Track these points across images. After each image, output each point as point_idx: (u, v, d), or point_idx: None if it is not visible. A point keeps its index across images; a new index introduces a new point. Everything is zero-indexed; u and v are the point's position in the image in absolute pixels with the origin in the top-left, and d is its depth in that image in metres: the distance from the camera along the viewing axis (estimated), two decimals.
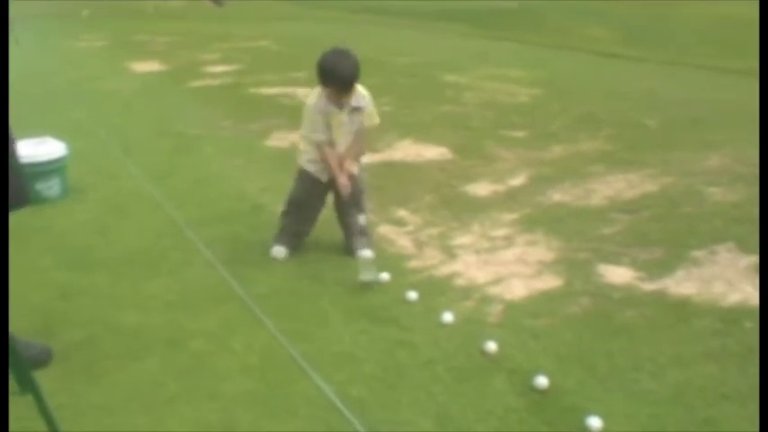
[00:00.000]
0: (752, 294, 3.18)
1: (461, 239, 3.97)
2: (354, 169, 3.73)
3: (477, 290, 3.40)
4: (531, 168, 5.16)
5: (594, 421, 2.40)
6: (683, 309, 3.13)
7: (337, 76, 3.49)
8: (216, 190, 5.04)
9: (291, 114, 7.15)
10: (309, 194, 3.78)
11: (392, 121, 6.42)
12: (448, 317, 3.10)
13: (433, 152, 5.68)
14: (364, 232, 3.78)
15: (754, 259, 3.48)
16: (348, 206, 3.74)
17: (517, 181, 4.90)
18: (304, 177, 3.78)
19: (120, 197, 4.94)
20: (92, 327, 3.17)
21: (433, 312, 3.16)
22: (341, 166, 3.65)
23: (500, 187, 4.78)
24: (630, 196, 4.45)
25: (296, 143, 4.39)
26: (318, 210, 3.84)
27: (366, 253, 3.58)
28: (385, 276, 3.47)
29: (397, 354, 2.87)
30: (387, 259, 3.68)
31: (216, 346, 3.00)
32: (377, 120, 3.76)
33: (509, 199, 4.59)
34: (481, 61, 10.20)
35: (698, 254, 3.58)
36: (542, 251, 3.80)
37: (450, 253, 3.81)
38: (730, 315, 3.04)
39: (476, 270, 3.61)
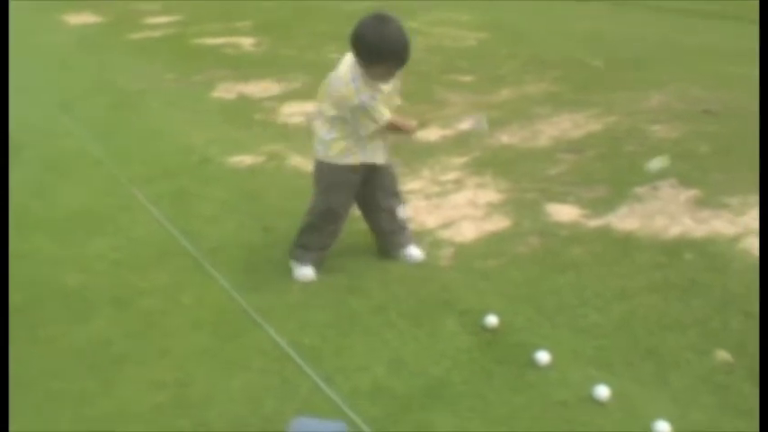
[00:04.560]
0: (691, 227, 3.27)
1: (411, 185, 3.98)
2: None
3: (428, 234, 3.42)
4: (479, 112, 5.16)
5: (542, 356, 2.47)
6: (626, 243, 3.20)
7: (394, 51, 2.75)
8: (161, 145, 4.93)
9: (237, 65, 7.01)
10: (347, 197, 3.06)
11: None
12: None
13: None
14: (404, 225, 3.21)
15: (694, 193, 3.56)
16: (389, 197, 3.13)
17: (465, 125, 4.90)
18: (339, 176, 2.98)
19: (59, 156, 4.80)
20: (33, 289, 3.10)
21: (384, 258, 3.18)
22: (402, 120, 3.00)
23: (449, 132, 4.77)
24: (576, 136, 4.49)
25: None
26: (348, 215, 3.14)
27: (413, 251, 3.17)
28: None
29: (349, 301, 2.89)
30: None
31: (166, 303, 2.97)
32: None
33: (458, 143, 4.59)
34: (429, 6, 10.06)
35: (641, 190, 3.65)
36: (491, 193, 3.83)
37: None
38: (671, 248, 3.12)
39: (426, 214, 3.63)
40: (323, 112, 2.95)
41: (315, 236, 3.07)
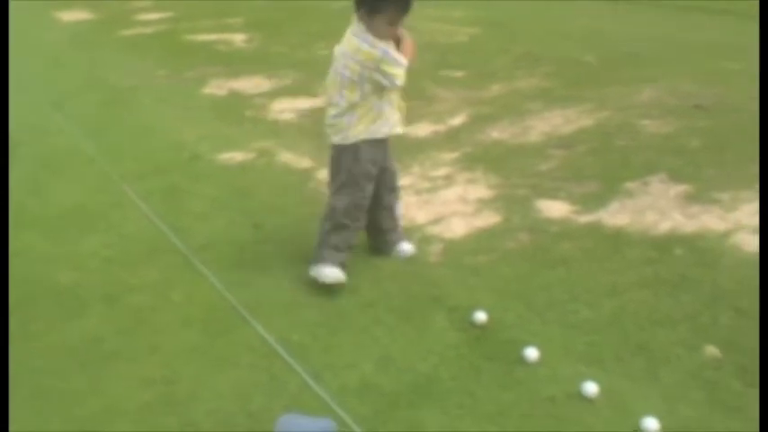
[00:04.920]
0: (682, 222, 3.27)
1: (402, 181, 3.91)
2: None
3: (418, 230, 3.41)
4: (470, 107, 5.16)
5: (531, 352, 2.46)
6: (617, 239, 3.20)
7: None
8: (152, 141, 4.91)
9: (228, 61, 6.99)
10: (368, 185, 2.97)
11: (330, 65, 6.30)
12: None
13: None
14: (399, 223, 3.21)
15: (684, 188, 3.57)
16: (390, 192, 3.11)
17: (456, 120, 4.90)
18: (362, 162, 2.91)
19: (53, 153, 4.79)
20: (26, 287, 3.09)
21: (374, 255, 3.17)
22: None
23: (440, 127, 4.77)
24: (567, 132, 4.49)
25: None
26: (367, 209, 3.04)
27: (407, 247, 3.17)
28: None
29: (338, 298, 2.88)
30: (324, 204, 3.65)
31: (155, 300, 2.97)
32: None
33: (449, 139, 4.59)
34: (421, 2, 10.04)
35: (631, 185, 3.66)
36: (482, 189, 3.83)
37: None
38: (662, 243, 3.12)
39: (416, 210, 3.62)
40: (336, 102, 2.90)
41: (344, 235, 2.97)
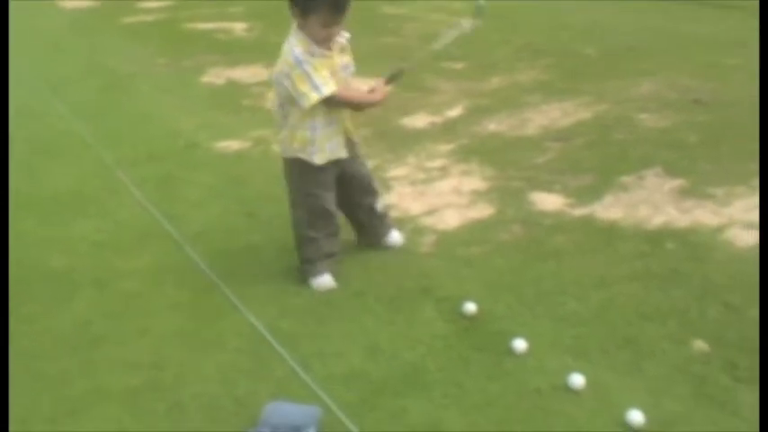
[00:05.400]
0: (675, 216, 3.26)
1: (396, 171, 3.96)
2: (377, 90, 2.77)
3: (411, 221, 3.41)
4: (468, 99, 5.14)
5: (519, 343, 2.47)
6: (610, 233, 3.20)
7: None
8: (149, 129, 4.91)
9: (227, 50, 6.98)
10: (329, 193, 2.82)
11: None
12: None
13: (370, 85, 5.60)
14: (384, 216, 3.10)
15: (679, 182, 3.56)
16: (367, 195, 2.99)
17: (454, 112, 4.88)
18: (307, 172, 2.75)
19: (49, 137, 4.80)
20: (19, 271, 3.08)
21: (365, 247, 3.17)
22: (367, 90, 2.76)
23: (437, 119, 4.75)
24: (564, 124, 4.48)
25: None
26: (336, 212, 2.91)
27: (396, 236, 3.10)
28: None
29: None
30: None
31: (146, 285, 2.97)
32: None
33: (446, 130, 4.57)
34: None
35: (626, 179, 3.65)
36: (476, 181, 3.82)
37: (385, 185, 3.78)
38: (654, 237, 3.12)
39: (410, 201, 3.62)
40: (276, 110, 2.77)
41: (315, 246, 2.84)
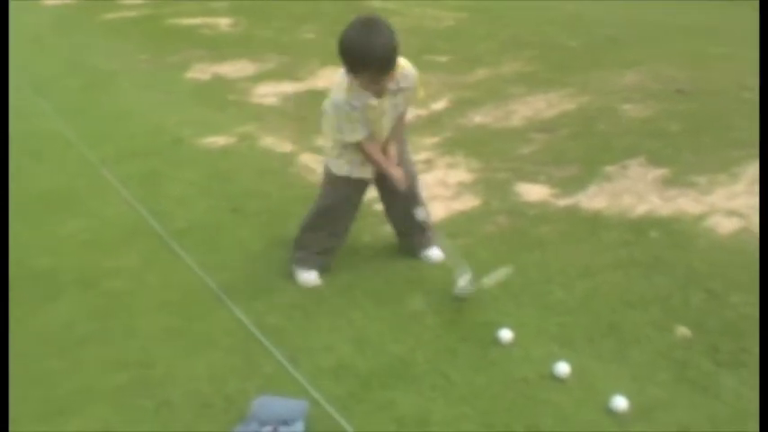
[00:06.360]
0: (658, 205, 3.30)
1: None
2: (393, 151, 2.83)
3: None
4: (453, 92, 5.16)
5: (505, 333, 2.49)
6: (594, 222, 3.23)
7: (373, 58, 2.48)
8: (133, 126, 4.89)
9: (212, 45, 6.95)
10: (347, 202, 2.90)
11: (316, 49, 6.28)
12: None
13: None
14: (425, 227, 3.01)
15: (662, 171, 3.59)
16: (401, 199, 2.93)
17: (439, 105, 4.90)
18: (339, 184, 2.84)
19: (32, 137, 4.75)
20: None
21: (352, 236, 3.17)
22: (389, 157, 2.81)
23: (422, 112, 4.76)
24: (549, 116, 4.50)
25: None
26: (353, 217, 2.97)
27: (435, 252, 3.04)
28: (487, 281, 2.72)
29: None
30: (307, 188, 3.65)
31: (132, 284, 2.97)
32: (422, 94, 2.86)
33: (431, 123, 4.59)
34: None
35: (610, 169, 3.68)
36: (462, 173, 3.84)
37: None
38: (637, 226, 3.15)
39: None
40: (328, 131, 2.83)
41: (311, 235, 2.90)
